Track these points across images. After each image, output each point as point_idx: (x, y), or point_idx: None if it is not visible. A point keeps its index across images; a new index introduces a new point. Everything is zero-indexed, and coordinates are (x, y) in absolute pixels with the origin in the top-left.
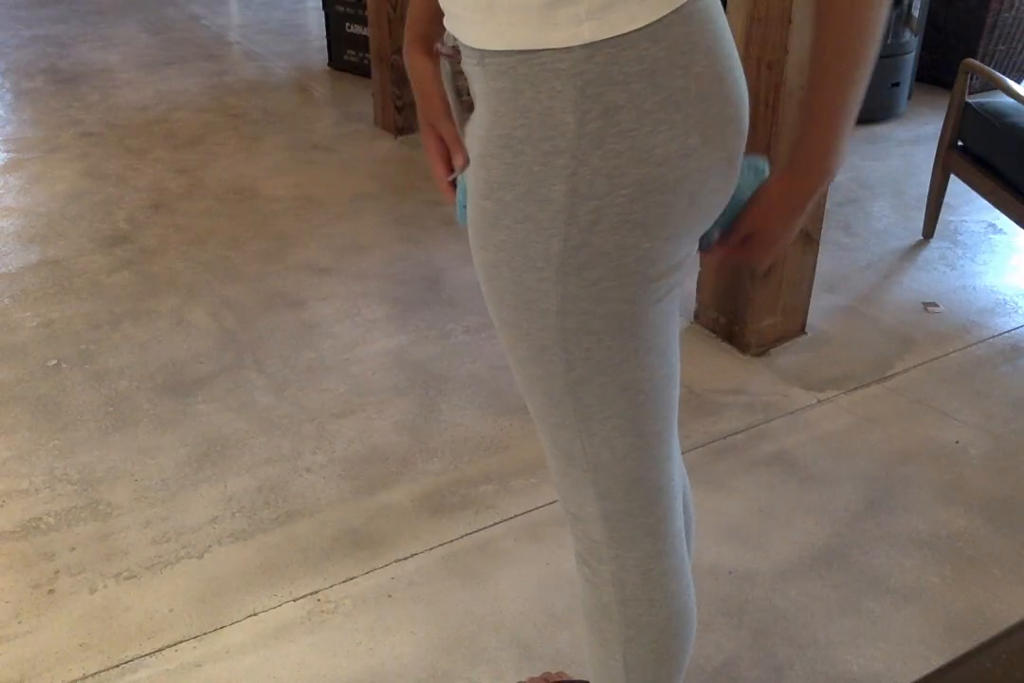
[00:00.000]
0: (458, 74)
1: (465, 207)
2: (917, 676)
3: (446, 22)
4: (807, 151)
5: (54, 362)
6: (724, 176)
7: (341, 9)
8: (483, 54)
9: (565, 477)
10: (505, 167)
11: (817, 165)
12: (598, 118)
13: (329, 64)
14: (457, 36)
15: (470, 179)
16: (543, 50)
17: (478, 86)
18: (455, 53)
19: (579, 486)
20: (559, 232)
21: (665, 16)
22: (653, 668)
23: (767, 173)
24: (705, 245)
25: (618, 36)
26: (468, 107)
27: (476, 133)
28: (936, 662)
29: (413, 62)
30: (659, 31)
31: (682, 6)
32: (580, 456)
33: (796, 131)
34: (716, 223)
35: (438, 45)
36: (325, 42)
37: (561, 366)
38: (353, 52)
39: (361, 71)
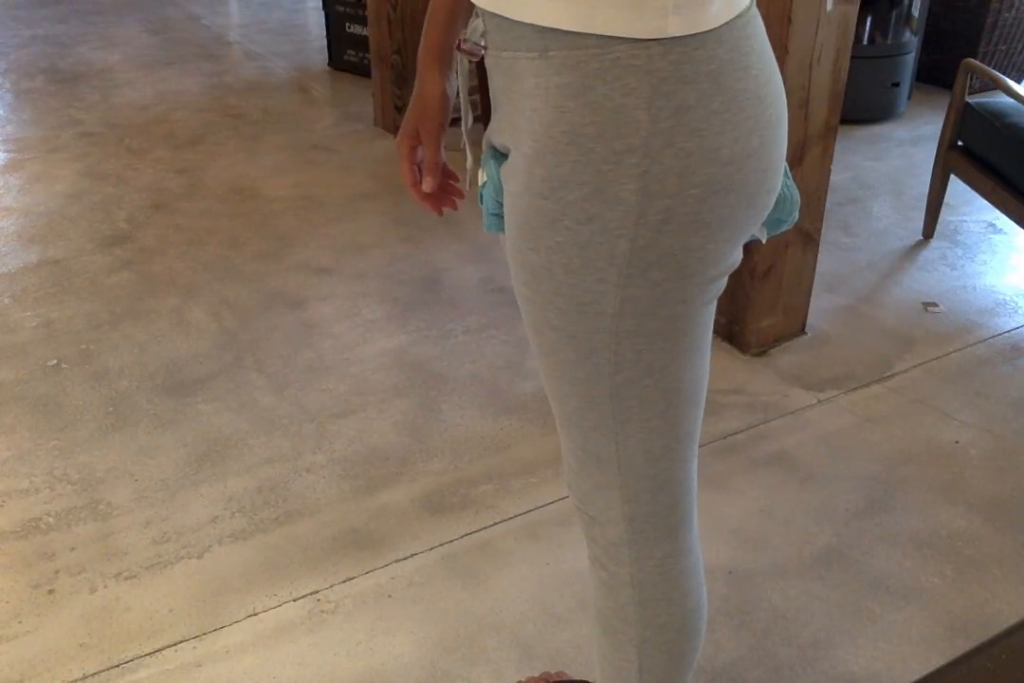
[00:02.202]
0: (474, 73)
1: (496, 215)
2: (917, 676)
3: (487, 3)
4: None
5: (54, 362)
6: (778, 176)
7: (341, 9)
8: (547, 47)
9: (588, 479)
10: (571, 165)
11: None
12: (670, 117)
13: (329, 64)
14: (511, 14)
15: (515, 178)
16: (617, 46)
17: (532, 80)
18: (478, 49)
19: (603, 489)
20: (627, 233)
21: (733, 18)
22: (668, 668)
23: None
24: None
25: (693, 35)
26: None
27: (528, 129)
28: (936, 662)
29: (427, 77)
30: (724, 33)
31: (743, 11)
32: (612, 459)
33: None
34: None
35: (460, 39)
36: (325, 42)
37: (608, 369)
38: (353, 52)
39: (361, 71)
